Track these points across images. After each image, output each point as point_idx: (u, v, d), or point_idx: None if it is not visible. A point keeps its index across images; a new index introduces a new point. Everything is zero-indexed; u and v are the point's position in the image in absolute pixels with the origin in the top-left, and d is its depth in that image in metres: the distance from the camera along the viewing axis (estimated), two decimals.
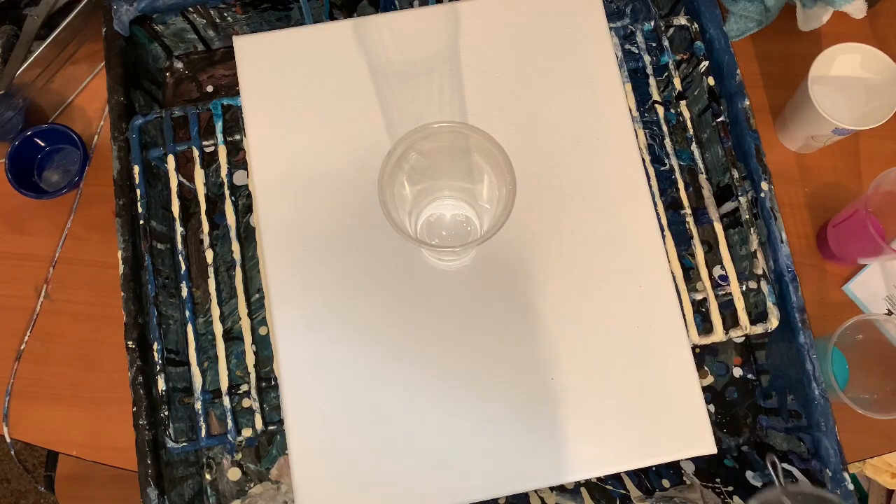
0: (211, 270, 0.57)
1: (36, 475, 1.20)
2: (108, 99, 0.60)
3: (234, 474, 0.60)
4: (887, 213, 0.61)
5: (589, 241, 0.51)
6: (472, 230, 0.49)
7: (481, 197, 0.48)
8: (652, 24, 0.61)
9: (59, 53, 0.64)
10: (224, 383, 0.54)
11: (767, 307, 0.55)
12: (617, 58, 0.56)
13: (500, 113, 0.53)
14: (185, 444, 0.53)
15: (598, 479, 0.59)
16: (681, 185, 0.58)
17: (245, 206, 0.64)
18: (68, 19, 0.62)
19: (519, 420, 0.47)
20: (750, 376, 0.62)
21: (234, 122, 0.62)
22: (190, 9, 0.63)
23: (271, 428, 0.53)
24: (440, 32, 0.55)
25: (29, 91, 0.63)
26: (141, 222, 0.57)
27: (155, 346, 0.54)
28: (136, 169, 0.57)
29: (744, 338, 0.63)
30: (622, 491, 0.58)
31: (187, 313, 0.56)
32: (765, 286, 0.55)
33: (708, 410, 0.58)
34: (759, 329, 0.55)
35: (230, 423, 0.53)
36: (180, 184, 0.59)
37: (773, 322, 0.55)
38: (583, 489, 0.58)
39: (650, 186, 0.54)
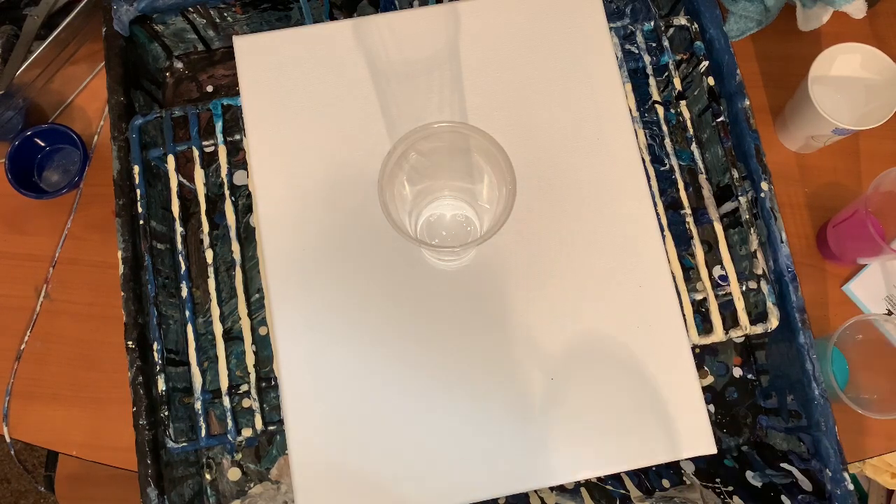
0: (211, 270, 0.57)
1: (36, 475, 1.20)
2: (108, 99, 0.59)
3: (234, 474, 0.60)
4: (887, 213, 0.61)
5: (589, 241, 0.51)
6: (472, 230, 0.49)
7: (481, 197, 0.48)
8: (652, 24, 0.61)
9: (59, 53, 0.64)
10: (224, 383, 0.54)
11: (767, 307, 0.55)
12: (617, 58, 0.56)
13: (500, 113, 0.53)
14: (185, 444, 0.53)
15: (598, 479, 0.59)
16: (681, 185, 0.58)
17: (245, 206, 0.64)
18: (68, 19, 0.62)
19: (518, 420, 0.47)
20: (750, 376, 0.62)
21: (234, 122, 0.62)
22: (190, 9, 0.63)
23: (271, 428, 0.53)
24: (440, 32, 0.55)
25: (29, 91, 0.63)
26: (141, 222, 0.57)
27: (155, 346, 0.54)
28: (136, 169, 0.57)
29: (744, 338, 0.63)
30: (622, 491, 0.58)
31: (187, 313, 0.56)
32: (765, 286, 0.55)
33: (708, 410, 0.58)
34: (759, 329, 0.55)
35: (230, 423, 0.53)
36: (180, 184, 0.60)
37: (773, 322, 0.55)
38: (583, 489, 0.58)
39: (650, 186, 0.54)
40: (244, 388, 0.54)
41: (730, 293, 0.56)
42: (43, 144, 0.67)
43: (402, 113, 0.53)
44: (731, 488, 0.58)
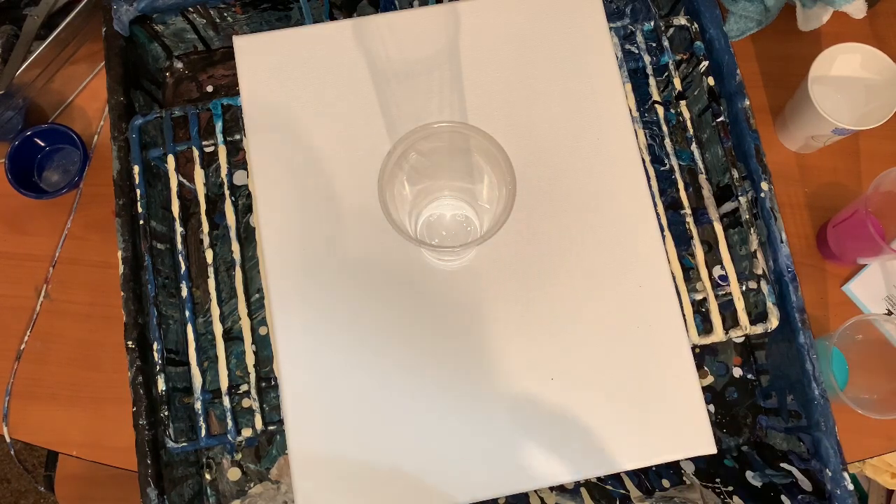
0: (211, 270, 0.57)
1: (36, 475, 1.20)
2: (108, 99, 0.60)
3: (233, 474, 0.60)
4: (887, 213, 0.61)
5: (589, 241, 0.51)
6: (472, 230, 0.49)
7: (481, 197, 0.48)
8: (652, 24, 0.61)
9: (59, 53, 0.64)
10: (224, 383, 0.54)
11: (767, 307, 0.55)
12: (617, 58, 0.56)
13: (500, 113, 0.53)
14: (185, 444, 0.53)
15: (598, 479, 0.59)
16: (681, 185, 0.58)
17: (245, 206, 0.64)
18: (68, 19, 0.62)
19: (518, 420, 0.47)
20: (750, 376, 0.62)
21: (234, 121, 0.62)
22: (190, 9, 0.63)
23: (271, 428, 0.53)
24: (440, 32, 0.55)
25: (29, 91, 0.63)
26: (141, 222, 0.57)
27: (155, 346, 0.54)
28: (136, 169, 0.57)
29: (744, 338, 0.63)
30: (622, 491, 0.58)
31: (187, 313, 0.56)
32: (765, 286, 0.55)
33: (708, 410, 0.58)
34: (758, 329, 0.55)
35: (230, 423, 0.53)
36: (180, 184, 0.60)
37: (773, 322, 0.55)
38: (583, 489, 0.58)
39: (650, 186, 0.54)
40: (244, 388, 0.54)
41: (730, 293, 0.56)
42: (43, 144, 0.67)
43: (402, 113, 0.53)
44: (731, 488, 0.58)
